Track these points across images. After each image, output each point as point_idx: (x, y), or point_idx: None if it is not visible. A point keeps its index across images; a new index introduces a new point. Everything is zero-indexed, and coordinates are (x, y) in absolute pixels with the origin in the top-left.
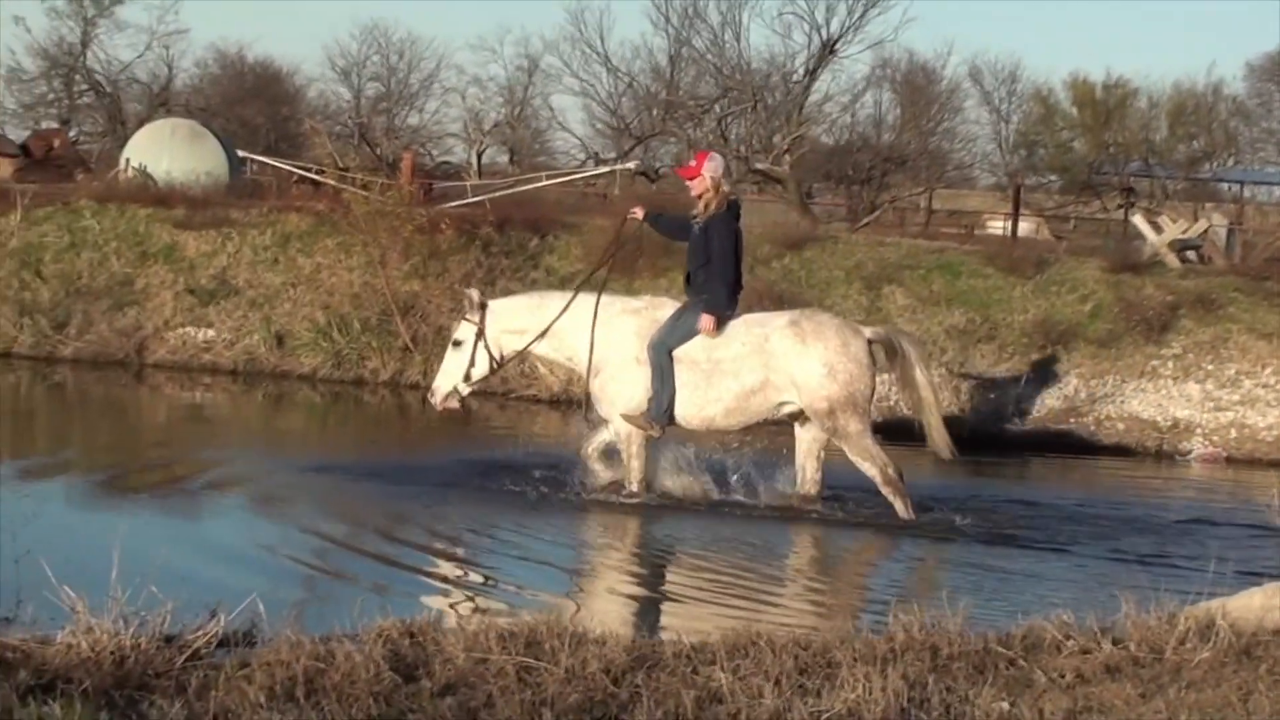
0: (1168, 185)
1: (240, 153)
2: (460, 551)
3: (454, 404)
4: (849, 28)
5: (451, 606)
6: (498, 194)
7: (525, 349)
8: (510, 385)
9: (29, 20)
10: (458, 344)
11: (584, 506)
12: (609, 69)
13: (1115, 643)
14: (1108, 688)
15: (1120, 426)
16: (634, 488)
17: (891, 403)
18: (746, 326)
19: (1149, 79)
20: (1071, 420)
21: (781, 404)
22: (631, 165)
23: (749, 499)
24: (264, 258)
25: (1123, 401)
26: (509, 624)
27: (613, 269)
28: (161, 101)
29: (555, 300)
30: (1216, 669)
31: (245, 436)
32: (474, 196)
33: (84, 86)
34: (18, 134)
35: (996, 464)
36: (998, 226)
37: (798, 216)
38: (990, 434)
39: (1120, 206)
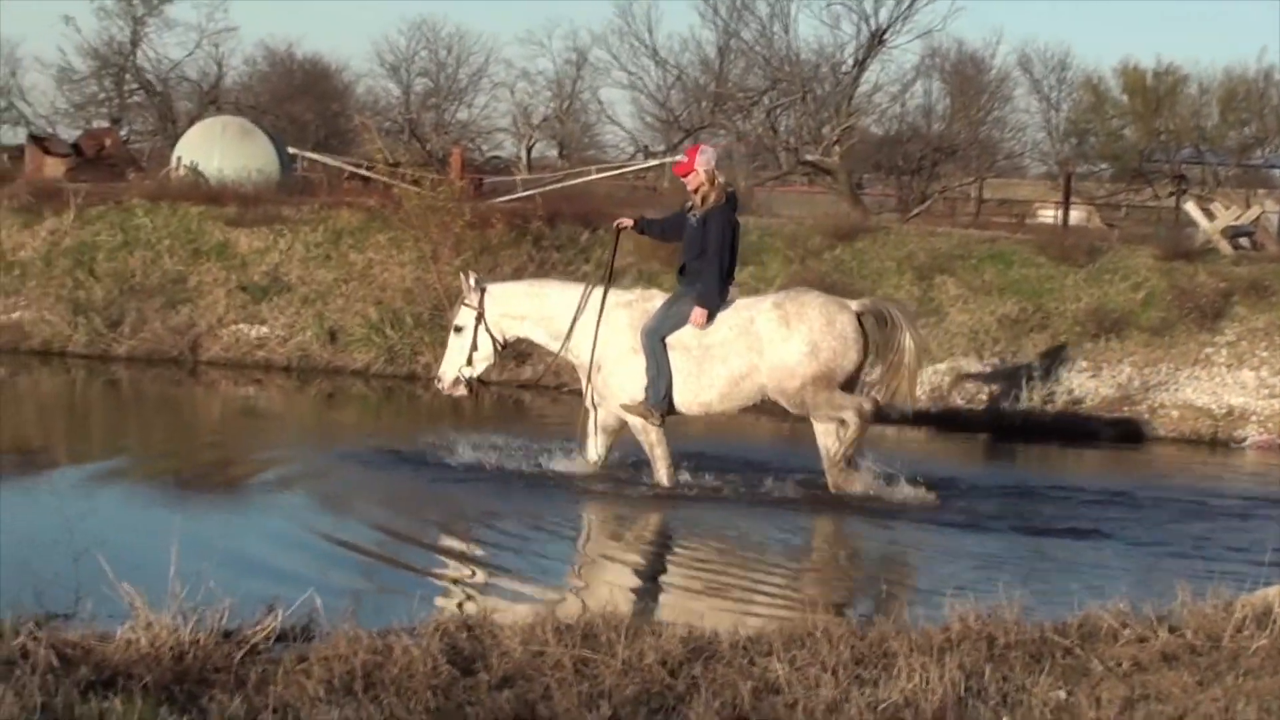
0: (1219, 172)
1: (291, 149)
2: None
3: (461, 389)
4: (897, 18)
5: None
6: (547, 188)
7: (524, 338)
8: (562, 379)
9: (79, 20)
10: (459, 329)
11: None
12: (657, 62)
13: (1172, 631)
14: (1164, 676)
15: (1174, 414)
16: (662, 478)
17: (944, 393)
18: (735, 311)
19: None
20: (1125, 408)
21: (766, 386)
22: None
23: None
24: (316, 254)
25: (1177, 389)
26: (565, 617)
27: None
28: (211, 99)
29: (552, 289)
30: (1274, 656)
31: (300, 432)
32: (524, 191)
33: (134, 85)
34: (69, 134)
35: (1049, 452)
36: (1049, 215)
37: (848, 207)
38: (1043, 423)
39: (1172, 194)
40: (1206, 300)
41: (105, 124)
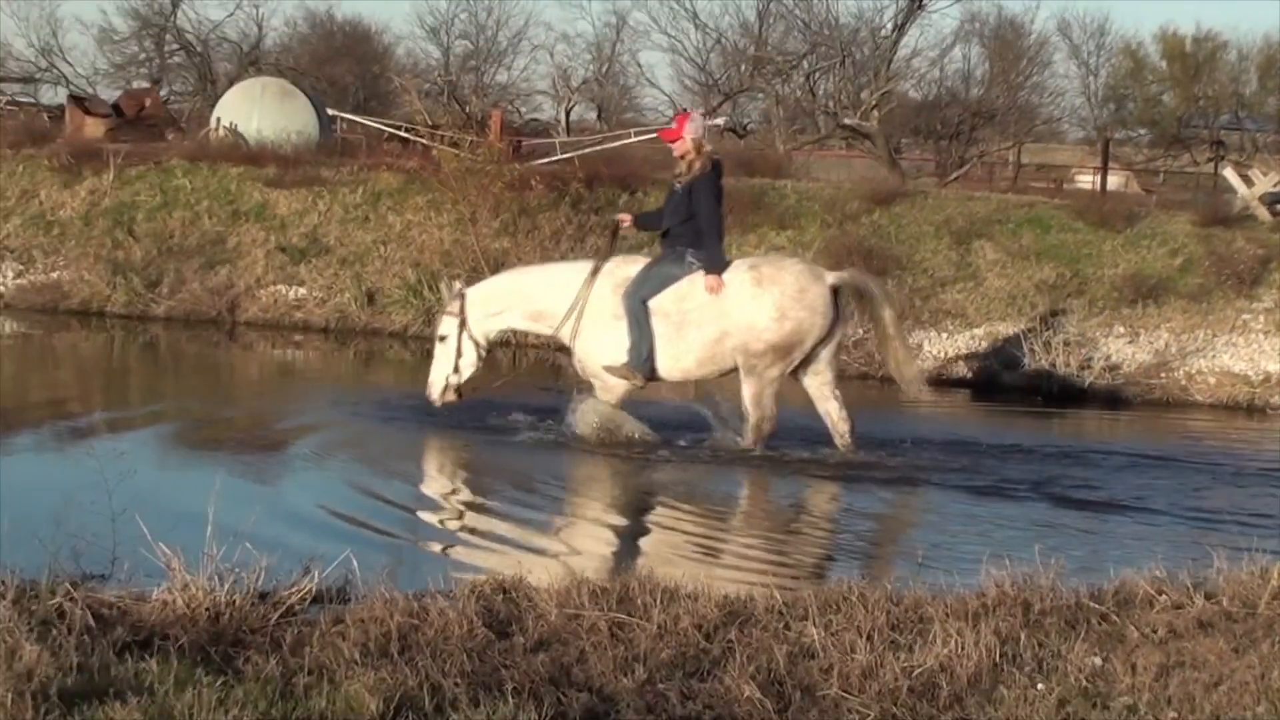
0: (1258, 138)
1: (330, 111)
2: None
3: (451, 397)
4: None
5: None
6: (586, 150)
7: (507, 329)
8: None
9: None
10: (443, 338)
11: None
12: (697, 25)
13: (1208, 598)
14: (1200, 643)
15: (1211, 380)
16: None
17: (981, 358)
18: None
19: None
20: (1162, 374)
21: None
22: (720, 121)
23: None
24: (355, 216)
25: (1214, 355)
26: (601, 580)
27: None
28: (251, 60)
29: (531, 275)
30: None
31: (338, 393)
32: (563, 153)
33: (174, 46)
34: (110, 94)
35: (1085, 417)
36: (1086, 180)
37: (886, 172)
38: (1080, 388)
39: (1210, 160)
40: (1244, 266)
41: (145, 85)
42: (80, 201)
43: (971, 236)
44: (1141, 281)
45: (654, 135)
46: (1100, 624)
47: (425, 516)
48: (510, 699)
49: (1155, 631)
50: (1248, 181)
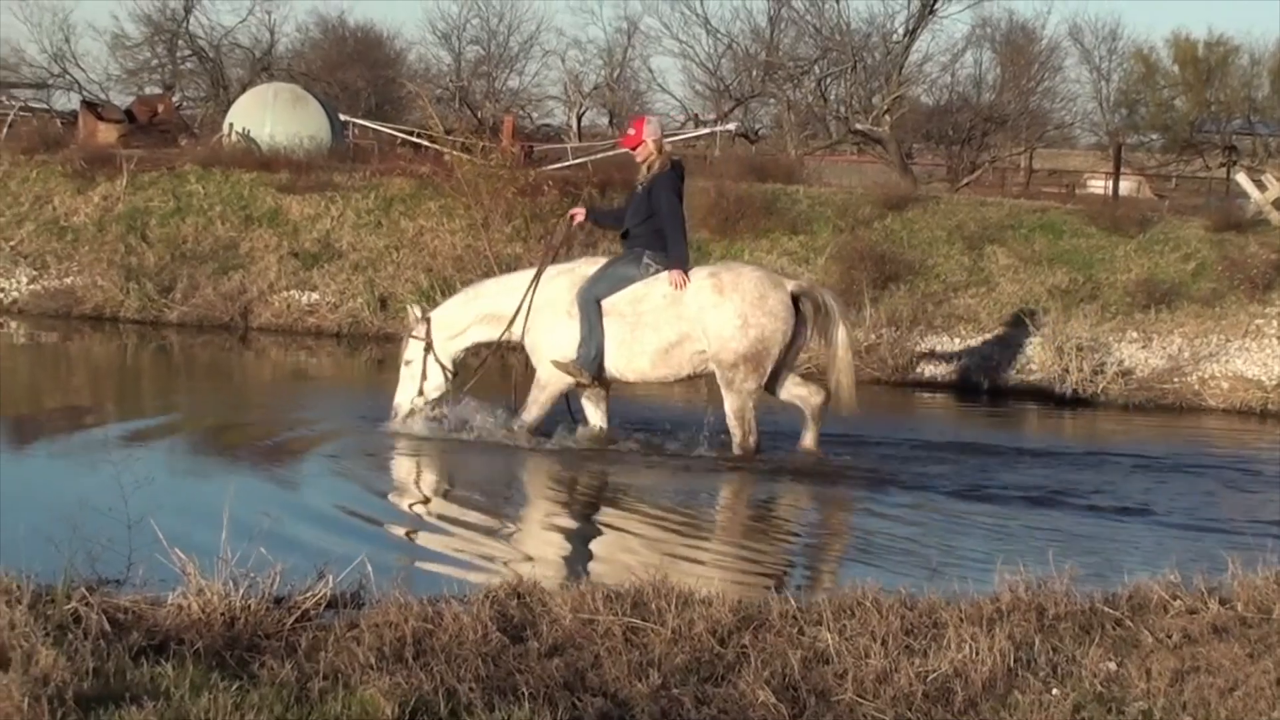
0: (1270, 143)
1: (342, 117)
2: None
3: (416, 421)
4: None
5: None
6: (598, 155)
7: (472, 345)
8: None
9: None
10: (408, 363)
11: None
12: (708, 30)
13: (1222, 603)
14: (1215, 648)
15: (1224, 385)
16: (524, 428)
17: (994, 364)
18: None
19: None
20: (1175, 379)
21: (703, 354)
22: (731, 126)
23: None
24: (367, 221)
25: (1226, 360)
26: (615, 585)
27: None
28: (264, 66)
29: (487, 285)
30: None
31: (351, 399)
32: (574, 159)
33: (187, 52)
34: (123, 100)
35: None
36: (1099, 186)
37: (898, 177)
38: (1093, 393)
39: (1222, 165)
40: (1257, 271)
41: (158, 90)
42: (94, 207)
43: (984, 241)
44: (1154, 286)
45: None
46: (1115, 629)
47: (436, 521)
48: (525, 704)
49: (1170, 637)
50: (1261, 186)
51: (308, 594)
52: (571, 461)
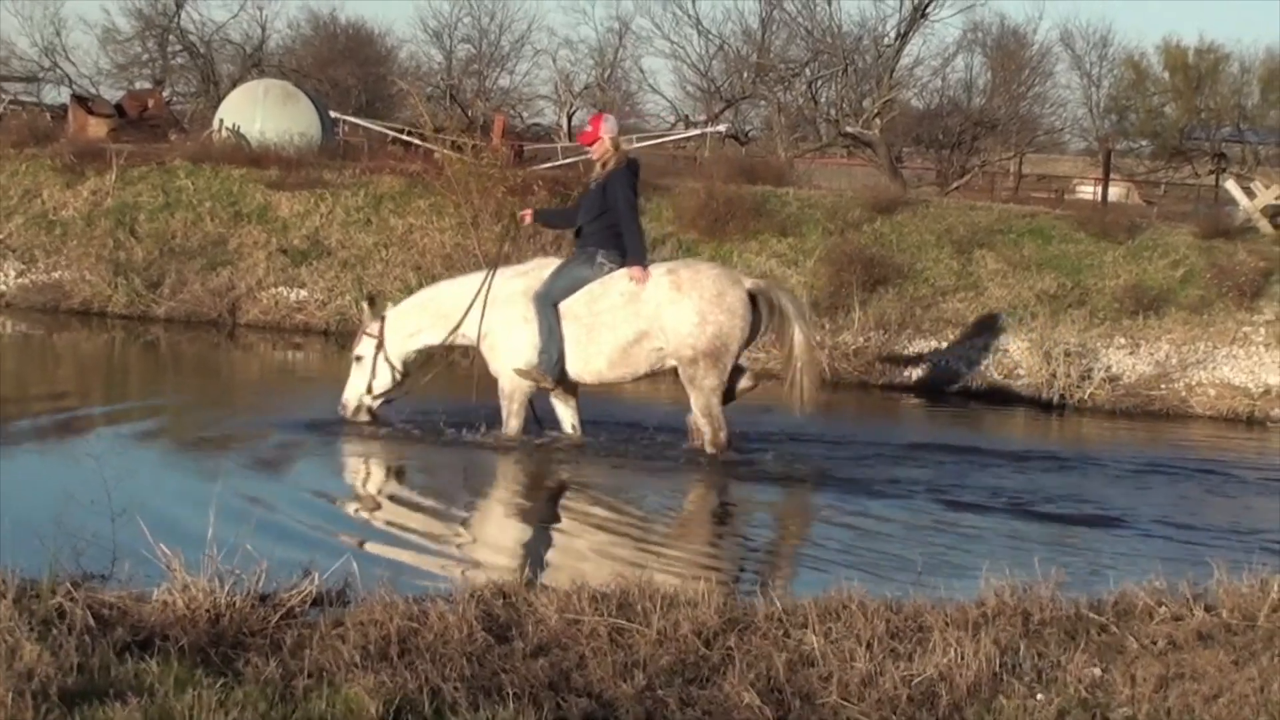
0: (1260, 151)
1: (333, 114)
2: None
3: (363, 416)
4: None
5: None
6: (588, 155)
7: (425, 346)
8: None
9: None
10: (359, 359)
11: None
12: (700, 31)
13: (1208, 609)
14: (1200, 654)
15: (1211, 393)
16: (510, 440)
17: (982, 368)
18: (626, 278)
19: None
20: (1162, 386)
21: (661, 351)
22: (721, 128)
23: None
24: (356, 218)
25: (1214, 367)
26: (601, 585)
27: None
28: (254, 62)
29: (445, 289)
30: None
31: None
32: (565, 158)
33: (178, 47)
34: (113, 94)
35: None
36: (1088, 191)
37: (888, 180)
38: (1080, 399)
39: (1212, 172)
40: (1246, 279)
41: (148, 85)
42: (82, 201)
43: (973, 246)
44: (1142, 293)
45: (655, 142)
46: (1100, 635)
47: (423, 518)
48: (510, 703)
49: (1155, 643)
50: (1250, 194)
51: (293, 591)
52: (540, 462)
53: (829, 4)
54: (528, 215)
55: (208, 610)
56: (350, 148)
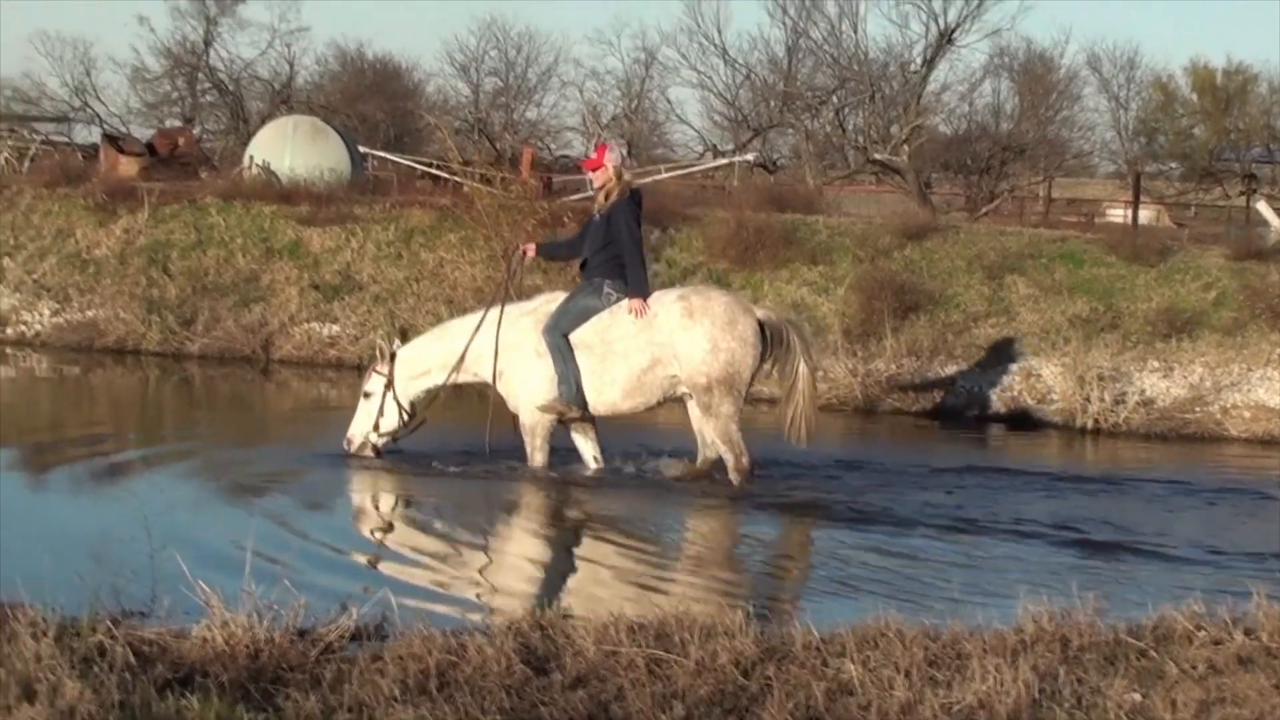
0: None
1: (362, 149)
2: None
3: (368, 451)
4: (966, 16)
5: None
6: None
7: (434, 386)
8: None
9: (153, 20)
10: (367, 395)
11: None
12: (726, 61)
13: (1247, 633)
14: (1240, 679)
15: (1246, 415)
16: (539, 474)
17: (1015, 394)
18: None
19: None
20: (1197, 409)
21: (674, 378)
22: (750, 157)
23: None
24: (387, 253)
25: (1248, 390)
26: (638, 616)
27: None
28: (283, 99)
29: (454, 328)
30: None
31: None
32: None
33: (207, 85)
34: (143, 133)
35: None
36: (1118, 214)
37: (917, 206)
38: (1114, 423)
39: (1242, 193)
40: (1278, 300)
41: (178, 123)
42: (115, 240)
43: (1004, 271)
44: (1175, 316)
45: (684, 172)
46: (1139, 660)
47: (458, 551)
48: None
49: (1195, 667)
50: None
51: (331, 626)
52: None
53: (855, 31)
54: (530, 249)
55: (247, 646)
56: (380, 182)
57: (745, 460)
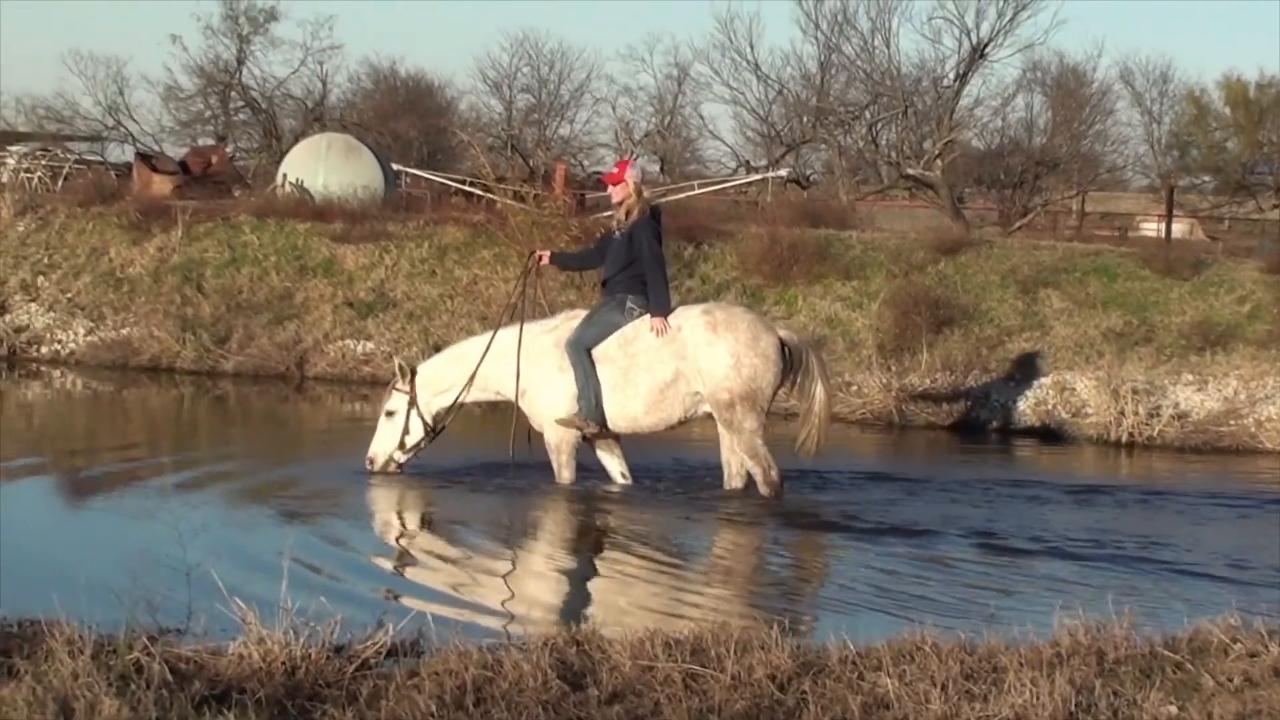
0: None
1: (395, 166)
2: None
3: (391, 468)
4: (999, 31)
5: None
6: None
7: (456, 402)
8: None
9: (185, 39)
10: (390, 414)
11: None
12: (759, 76)
13: None
14: (1277, 691)
15: None
16: (564, 479)
17: (1049, 407)
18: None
19: None
20: (1231, 422)
21: (696, 395)
22: (783, 172)
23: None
24: (421, 270)
25: None
26: (674, 631)
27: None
28: (316, 117)
29: (473, 346)
30: None
31: None
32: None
33: (240, 103)
34: (176, 151)
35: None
36: (1151, 228)
37: (950, 221)
38: (1149, 436)
39: (1275, 206)
40: None
41: (211, 142)
42: (149, 258)
43: (1038, 285)
44: (1209, 329)
45: (717, 187)
46: (1175, 673)
47: (492, 569)
48: None
49: (1231, 680)
50: None
51: (367, 643)
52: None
53: (887, 46)
54: (545, 257)
55: (284, 663)
56: (413, 200)
57: (774, 473)
